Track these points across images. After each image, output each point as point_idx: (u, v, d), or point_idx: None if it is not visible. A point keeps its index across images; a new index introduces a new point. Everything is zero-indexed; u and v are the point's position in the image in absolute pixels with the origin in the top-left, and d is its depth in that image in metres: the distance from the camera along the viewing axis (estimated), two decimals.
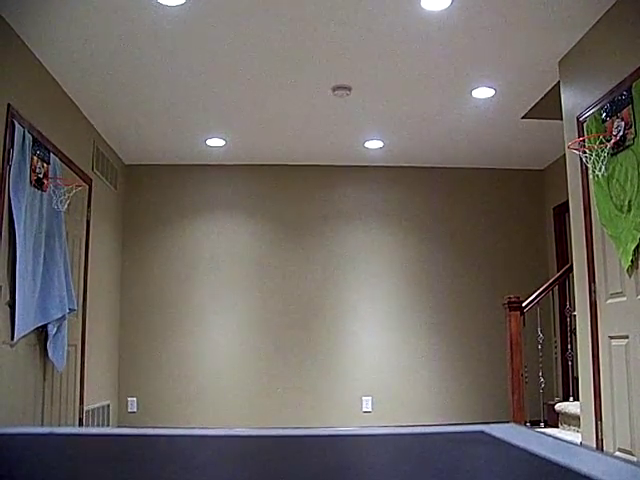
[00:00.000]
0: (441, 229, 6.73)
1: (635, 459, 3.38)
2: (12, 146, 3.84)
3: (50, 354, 4.31)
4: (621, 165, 3.52)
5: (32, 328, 4.02)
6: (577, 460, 0.66)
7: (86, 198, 5.38)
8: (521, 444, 0.75)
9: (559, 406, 5.17)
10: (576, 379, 4.41)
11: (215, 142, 6.07)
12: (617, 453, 3.62)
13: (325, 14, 3.80)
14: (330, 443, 0.85)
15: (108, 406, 5.92)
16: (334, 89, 4.85)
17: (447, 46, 4.18)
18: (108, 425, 5.87)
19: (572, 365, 5.16)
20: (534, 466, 0.67)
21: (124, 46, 4.15)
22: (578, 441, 4.00)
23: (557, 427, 5.18)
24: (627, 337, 3.52)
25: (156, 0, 3.60)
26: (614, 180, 3.59)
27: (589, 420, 3.94)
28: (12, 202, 3.79)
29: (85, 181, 5.25)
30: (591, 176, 3.86)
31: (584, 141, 3.89)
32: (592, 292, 3.90)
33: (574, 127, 4.12)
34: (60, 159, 4.65)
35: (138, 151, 6.34)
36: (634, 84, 3.41)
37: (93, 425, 5.43)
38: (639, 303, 3.42)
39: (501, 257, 6.72)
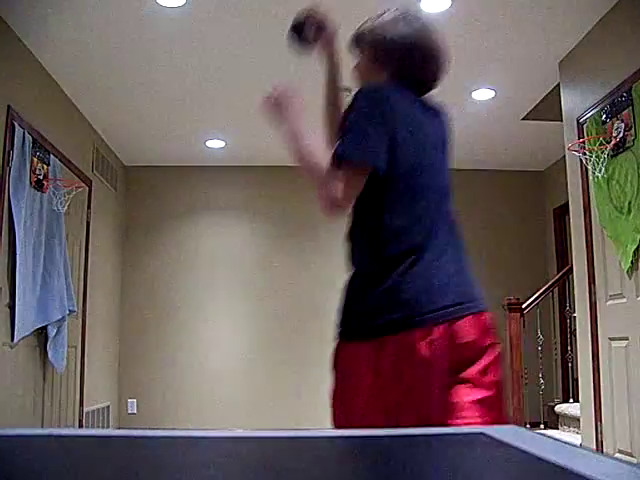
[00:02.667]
0: None
1: (635, 461, 3.38)
2: (12, 148, 3.84)
3: (50, 355, 4.31)
4: (621, 167, 3.52)
5: (32, 329, 4.02)
6: (577, 462, 0.66)
7: (86, 199, 5.38)
8: (521, 446, 0.75)
9: (559, 408, 5.17)
10: (576, 381, 4.41)
11: (215, 143, 6.07)
12: (617, 455, 3.62)
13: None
14: (330, 445, 0.85)
15: (108, 407, 5.92)
16: None
17: (447, 48, 4.18)
18: (108, 427, 5.87)
19: (572, 367, 5.16)
20: (534, 468, 0.67)
21: (124, 48, 4.15)
22: (578, 443, 4.00)
23: (557, 429, 5.18)
24: (627, 339, 3.52)
25: (156, 1, 3.61)
26: (614, 182, 3.59)
27: (589, 422, 3.94)
28: (12, 203, 3.79)
29: (85, 182, 5.25)
30: (591, 177, 3.86)
31: (584, 143, 3.90)
32: (592, 293, 3.90)
33: (574, 129, 4.12)
34: (60, 160, 4.65)
35: (138, 152, 6.34)
36: (634, 86, 3.41)
37: (93, 427, 5.43)
38: (639, 304, 3.42)
39: (501, 258, 6.71)
